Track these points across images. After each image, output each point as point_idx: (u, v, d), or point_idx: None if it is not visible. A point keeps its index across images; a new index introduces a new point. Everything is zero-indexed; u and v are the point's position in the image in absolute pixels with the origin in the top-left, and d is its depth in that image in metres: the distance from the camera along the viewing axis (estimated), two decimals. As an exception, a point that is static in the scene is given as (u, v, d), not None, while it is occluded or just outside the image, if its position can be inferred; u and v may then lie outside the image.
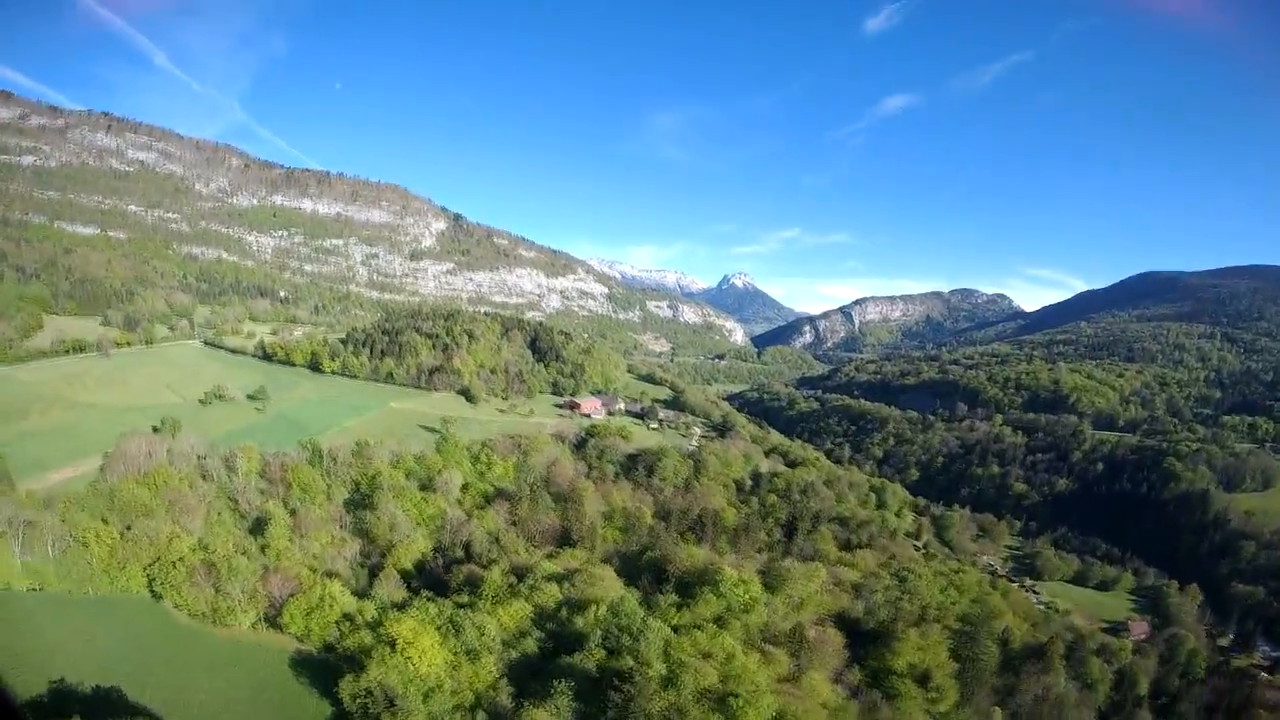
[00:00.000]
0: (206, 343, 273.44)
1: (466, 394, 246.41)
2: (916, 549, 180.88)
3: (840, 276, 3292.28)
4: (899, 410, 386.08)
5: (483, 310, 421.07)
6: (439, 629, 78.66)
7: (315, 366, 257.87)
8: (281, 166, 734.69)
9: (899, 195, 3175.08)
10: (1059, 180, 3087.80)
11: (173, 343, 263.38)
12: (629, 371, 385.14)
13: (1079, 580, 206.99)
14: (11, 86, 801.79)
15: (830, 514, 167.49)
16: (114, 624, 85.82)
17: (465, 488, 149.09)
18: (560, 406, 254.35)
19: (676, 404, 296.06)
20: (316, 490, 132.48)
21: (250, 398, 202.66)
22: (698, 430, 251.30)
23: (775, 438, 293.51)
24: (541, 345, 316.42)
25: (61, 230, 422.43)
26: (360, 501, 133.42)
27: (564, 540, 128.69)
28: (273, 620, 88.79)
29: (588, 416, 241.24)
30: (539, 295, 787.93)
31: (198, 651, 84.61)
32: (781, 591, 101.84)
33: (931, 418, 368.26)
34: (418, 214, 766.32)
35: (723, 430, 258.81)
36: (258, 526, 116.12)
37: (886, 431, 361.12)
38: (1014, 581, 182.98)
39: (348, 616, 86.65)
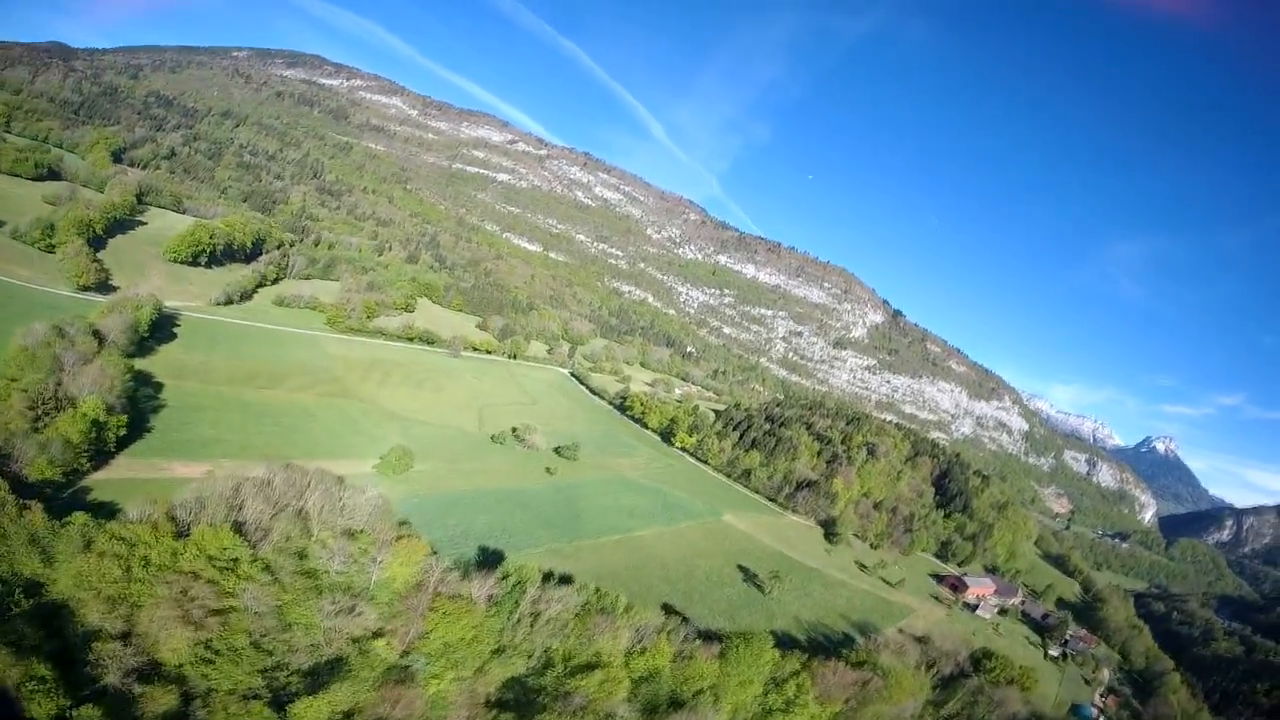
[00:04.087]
0: (572, 373, 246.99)
1: (828, 528, 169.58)
2: None
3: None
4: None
5: (890, 419, 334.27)
6: None
7: (666, 436, 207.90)
8: (736, 230, 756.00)
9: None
10: None
11: (538, 365, 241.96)
12: (1036, 544, 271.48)
13: None
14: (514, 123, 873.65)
15: None
16: None
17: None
18: (939, 580, 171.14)
19: (1088, 613, 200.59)
20: (464, 646, 69.62)
21: (555, 452, 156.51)
22: (1106, 676, 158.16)
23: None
24: (951, 484, 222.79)
25: (507, 240, 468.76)
26: (512, 704, 66.02)
27: None
28: None
29: (972, 609, 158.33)
30: (952, 416, 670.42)
31: None
32: None
33: None
34: (857, 301, 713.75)
35: (1145, 688, 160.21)
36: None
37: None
38: None
39: None
